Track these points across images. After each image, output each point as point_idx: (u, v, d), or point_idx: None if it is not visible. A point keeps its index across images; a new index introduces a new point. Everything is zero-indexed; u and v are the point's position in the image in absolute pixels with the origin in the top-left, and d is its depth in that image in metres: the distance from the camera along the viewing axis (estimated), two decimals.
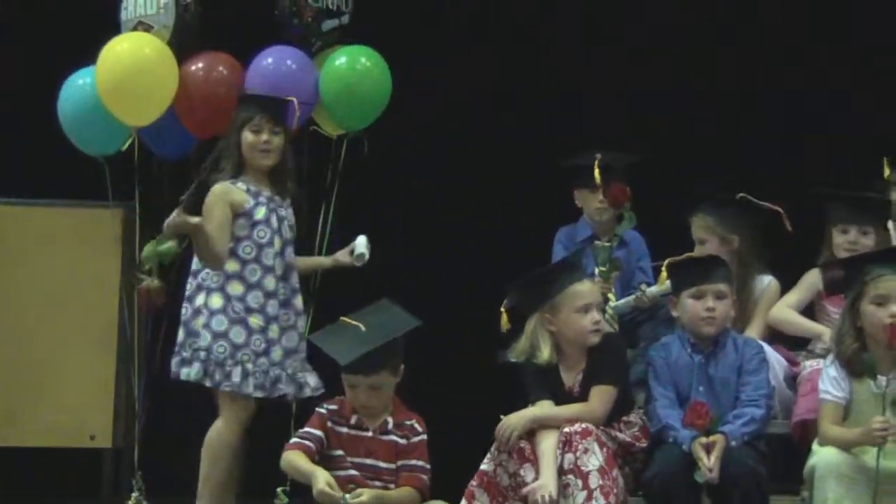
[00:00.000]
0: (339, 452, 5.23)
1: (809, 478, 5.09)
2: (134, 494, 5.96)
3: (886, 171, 5.81)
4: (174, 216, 5.39)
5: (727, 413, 5.24)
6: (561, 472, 5.09)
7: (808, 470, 5.11)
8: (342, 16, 6.18)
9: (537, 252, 5.98)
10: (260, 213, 5.64)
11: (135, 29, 6.08)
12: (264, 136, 5.63)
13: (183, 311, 5.61)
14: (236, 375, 5.50)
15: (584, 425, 5.14)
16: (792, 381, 5.54)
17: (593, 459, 5.10)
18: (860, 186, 5.82)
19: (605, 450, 5.13)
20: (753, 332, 5.64)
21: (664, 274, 5.57)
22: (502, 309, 5.44)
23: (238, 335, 5.54)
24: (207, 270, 5.57)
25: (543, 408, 5.22)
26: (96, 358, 6.22)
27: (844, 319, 5.15)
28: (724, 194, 5.79)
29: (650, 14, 6.95)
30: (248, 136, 5.64)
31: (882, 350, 5.04)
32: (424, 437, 5.27)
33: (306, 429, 5.25)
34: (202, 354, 5.52)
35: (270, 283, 5.61)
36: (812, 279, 5.73)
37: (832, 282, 5.48)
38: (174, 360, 5.58)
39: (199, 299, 5.57)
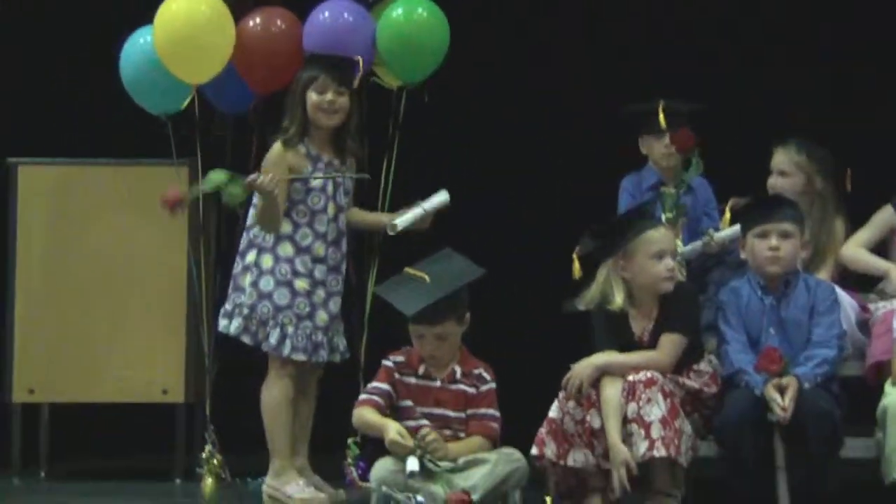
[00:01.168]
0: (409, 403, 5.26)
1: (882, 419, 5.09)
2: (207, 447, 5.99)
3: None
4: (261, 178, 5.45)
5: (799, 354, 5.23)
6: (625, 420, 5.09)
7: (880, 411, 5.11)
8: None
9: (604, 200, 5.98)
10: (316, 180, 5.67)
11: None
12: (329, 97, 5.62)
13: (235, 264, 5.66)
14: (273, 337, 5.54)
15: (648, 374, 5.12)
16: (864, 325, 5.51)
17: (656, 409, 5.08)
18: None
19: (668, 400, 5.11)
20: (824, 274, 5.63)
21: (728, 215, 5.57)
22: (574, 256, 5.41)
23: (282, 297, 5.57)
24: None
25: (611, 355, 5.22)
26: (166, 314, 6.25)
27: None
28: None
29: None
30: (312, 96, 5.63)
31: None
32: (493, 385, 5.30)
33: (374, 384, 5.29)
34: (245, 311, 5.57)
35: (321, 249, 5.64)
36: (884, 216, 5.71)
37: None
38: (221, 311, 5.66)
39: (250, 256, 5.61)
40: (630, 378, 5.12)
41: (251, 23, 6.05)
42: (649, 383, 5.10)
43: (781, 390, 5.06)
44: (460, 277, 5.32)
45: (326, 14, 6.05)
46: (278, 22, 6.08)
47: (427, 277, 5.28)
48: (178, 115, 6.08)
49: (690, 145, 5.68)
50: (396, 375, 5.29)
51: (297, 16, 6.08)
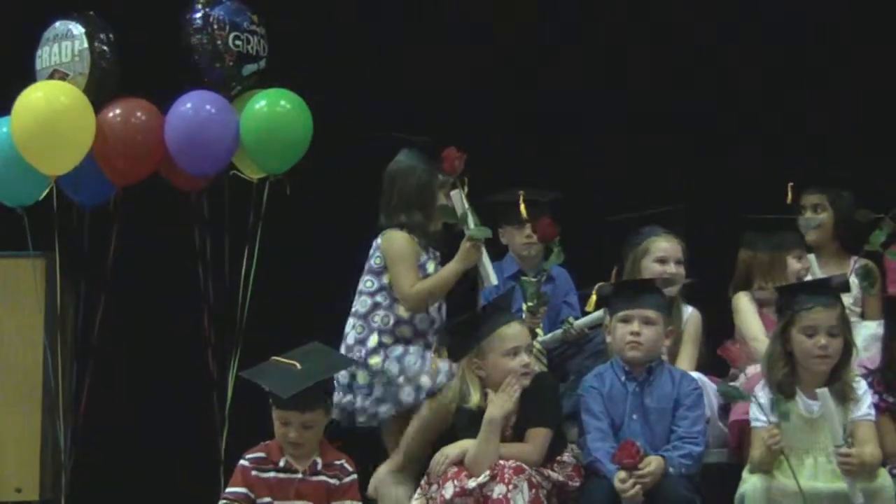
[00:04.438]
0: (268, 499, 5.24)
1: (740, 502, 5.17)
2: None
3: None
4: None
5: (660, 442, 5.30)
6: (489, 501, 5.14)
7: (738, 499, 5.18)
8: (261, 60, 6.22)
9: (466, 292, 6.00)
10: (430, 266, 5.72)
11: (50, 77, 6.08)
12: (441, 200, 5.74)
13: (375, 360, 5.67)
14: None
15: (517, 462, 5.16)
16: (724, 408, 5.61)
17: (519, 498, 5.12)
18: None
19: (534, 490, 5.15)
20: (685, 363, 5.73)
21: (594, 298, 5.64)
22: (432, 354, 5.51)
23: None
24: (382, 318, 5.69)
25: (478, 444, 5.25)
26: (21, 409, 6.16)
27: (775, 345, 5.25)
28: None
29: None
30: (442, 197, 5.70)
31: (809, 376, 5.16)
32: (355, 476, 5.30)
33: (230, 489, 5.28)
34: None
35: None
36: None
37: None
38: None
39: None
40: (500, 462, 5.15)
41: (111, 114, 6.06)
42: (518, 470, 5.13)
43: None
44: (332, 367, 5.39)
45: (188, 105, 6.09)
46: (138, 113, 6.09)
47: (298, 365, 5.31)
48: (35, 206, 6.05)
49: (552, 234, 5.76)
50: (253, 473, 5.27)
51: (159, 107, 6.12)
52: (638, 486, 5.09)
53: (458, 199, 5.60)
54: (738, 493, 5.17)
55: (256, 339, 6.06)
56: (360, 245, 6.67)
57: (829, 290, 5.31)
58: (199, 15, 6.13)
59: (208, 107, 6.09)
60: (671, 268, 5.75)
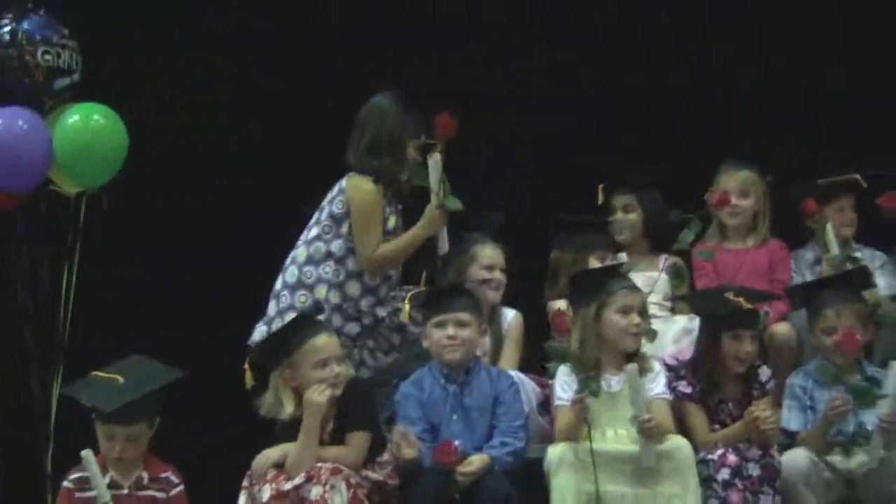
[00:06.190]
0: None
1: (547, 472, 5.47)
2: None
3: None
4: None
5: (481, 439, 5.51)
6: (307, 502, 5.26)
7: (546, 464, 5.49)
8: (73, 74, 6.20)
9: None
10: (392, 220, 5.84)
11: None
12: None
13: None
14: None
15: (335, 465, 5.28)
16: (544, 404, 5.81)
17: (338, 498, 5.26)
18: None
19: (352, 490, 5.29)
20: (507, 363, 5.93)
21: (408, 306, 5.81)
22: (245, 367, 5.61)
23: None
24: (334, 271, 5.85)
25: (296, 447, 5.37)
26: None
27: (588, 328, 5.58)
28: None
29: None
30: (412, 151, 5.83)
31: (613, 356, 5.59)
32: (182, 487, 5.38)
33: None
34: None
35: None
36: None
37: None
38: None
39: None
40: (318, 465, 5.27)
41: None
42: (335, 472, 5.25)
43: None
44: (157, 379, 5.43)
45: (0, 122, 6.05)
46: None
47: (120, 379, 5.36)
48: None
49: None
50: (77, 494, 5.32)
51: None
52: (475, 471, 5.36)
53: (435, 165, 5.72)
54: (545, 461, 5.45)
55: (79, 353, 6.04)
56: (183, 255, 6.84)
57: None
58: (6, 30, 6.11)
59: (20, 122, 6.07)
60: (497, 274, 5.97)
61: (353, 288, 5.88)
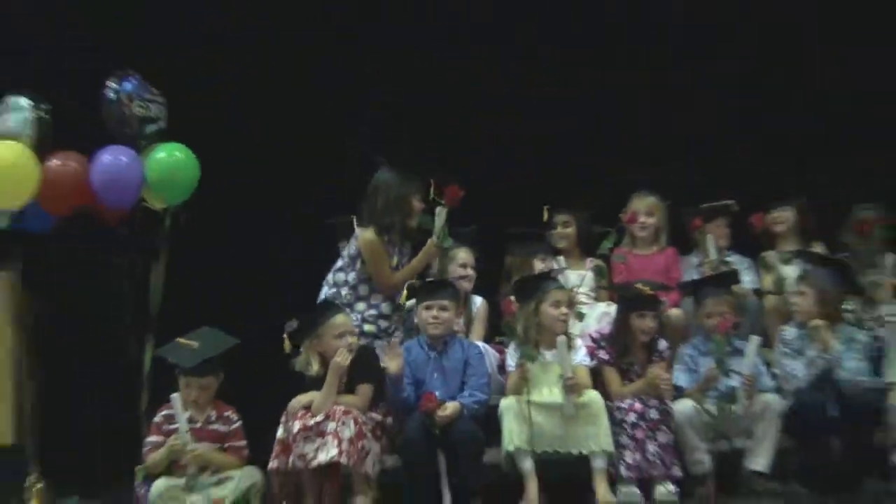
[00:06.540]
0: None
1: (500, 416, 6.50)
2: (30, 478, 6.60)
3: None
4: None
5: (455, 392, 6.57)
6: (325, 433, 6.21)
7: (499, 411, 6.50)
8: (160, 121, 7.07)
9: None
10: (394, 259, 6.77)
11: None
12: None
13: None
14: None
15: (346, 407, 6.34)
16: (500, 367, 6.93)
17: (346, 431, 6.27)
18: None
19: (357, 426, 6.24)
20: (475, 337, 6.98)
21: (405, 293, 6.90)
22: (284, 335, 6.59)
23: None
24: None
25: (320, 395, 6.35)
26: None
27: (530, 317, 6.59)
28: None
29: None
30: (417, 204, 6.78)
31: (548, 335, 6.51)
32: (239, 422, 6.53)
33: (148, 439, 6.33)
34: None
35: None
36: None
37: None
38: None
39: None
40: (335, 407, 6.30)
41: (51, 163, 6.89)
42: (346, 412, 6.34)
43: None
44: (221, 344, 6.38)
45: (107, 156, 7.02)
46: (70, 162, 6.98)
47: (195, 344, 6.33)
48: None
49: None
50: (165, 427, 6.34)
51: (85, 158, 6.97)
52: (452, 413, 6.27)
53: (441, 217, 6.62)
54: (499, 409, 6.48)
55: (166, 326, 6.98)
56: (241, 255, 7.67)
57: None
58: (112, 89, 7.02)
59: (122, 157, 7.01)
60: (469, 271, 7.09)
61: (362, 307, 6.86)
